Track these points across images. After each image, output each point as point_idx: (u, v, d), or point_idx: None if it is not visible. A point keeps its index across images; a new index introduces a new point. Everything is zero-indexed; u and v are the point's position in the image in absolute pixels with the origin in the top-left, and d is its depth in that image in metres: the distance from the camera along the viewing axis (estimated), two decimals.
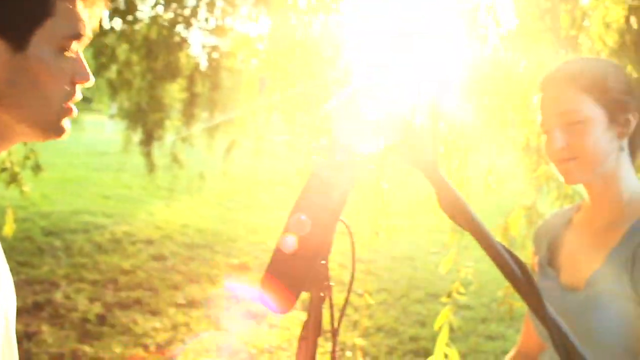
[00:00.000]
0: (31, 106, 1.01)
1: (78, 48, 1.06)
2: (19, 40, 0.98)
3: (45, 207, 9.89)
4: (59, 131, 1.06)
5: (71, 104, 1.07)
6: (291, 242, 0.98)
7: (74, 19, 1.03)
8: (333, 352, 1.24)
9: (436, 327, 2.35)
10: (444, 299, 2.49)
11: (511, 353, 1.92)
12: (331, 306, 1.23)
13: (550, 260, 1.70)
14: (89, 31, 1.06)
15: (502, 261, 0.89)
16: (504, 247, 0.91)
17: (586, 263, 1.56)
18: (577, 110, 1.50)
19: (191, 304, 5.79)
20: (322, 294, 1.24)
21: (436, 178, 0.93)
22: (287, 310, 0.99)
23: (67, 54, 1.03)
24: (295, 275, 1.00)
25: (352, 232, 1.20)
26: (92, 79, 1.08)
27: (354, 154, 0.98)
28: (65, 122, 1.07)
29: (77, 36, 1.03)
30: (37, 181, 4.57)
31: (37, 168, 3.85)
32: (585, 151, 1.50)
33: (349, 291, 1.28)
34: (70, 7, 1.02)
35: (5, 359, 1.06)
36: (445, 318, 2.41)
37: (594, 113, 1.50)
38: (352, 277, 1.28)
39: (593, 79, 1.51)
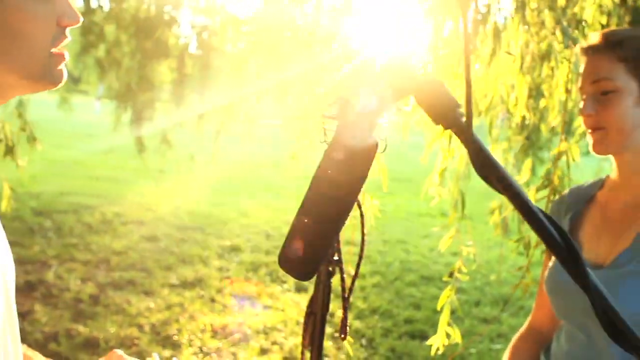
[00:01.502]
0: (18, 56, 0.94)
1: None
2: None
3: (34, 187, 9.80)
4: (53, 79, 0.99)
5: (62, 50, 0.99)
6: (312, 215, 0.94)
7: None
8: (344, 324, 1.21)
9: (439, 306, 2.32)
10: (445, 278, 2.46)
11: (521, 330, 1.88)
12: (342, 279, 1.20)
13: (571, 235, 1.67)
14: None
15: (540, 225, 0.85)
16: (542, 211, 0.87)
17: (612, 241, 1.53)
18: (610, 79, 1.47)
19: (184, 284, 5.75)
20: (330, 269, 1.21)
21: (470, 138, 0.88)
22: (309, 278, 0.96)
23: None
24: (317, 243, 0.96)
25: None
26: (81, 18, 1.00)
27: (374, 118, 0.92)
28: (60, 69, 1.00)
29: None
30: (29, 160, 4.50)
31: (32, 140, 3.76)
32: (611, 122, 1.47)
33: (357, 266, 1.24)
34: None
35: (7, 331, 1.02)
36: (447, 297, 2.38)
37: (627, 84, 1.46)
38: (362, 251, 1.25)
39: (632, 49, 1.47)
